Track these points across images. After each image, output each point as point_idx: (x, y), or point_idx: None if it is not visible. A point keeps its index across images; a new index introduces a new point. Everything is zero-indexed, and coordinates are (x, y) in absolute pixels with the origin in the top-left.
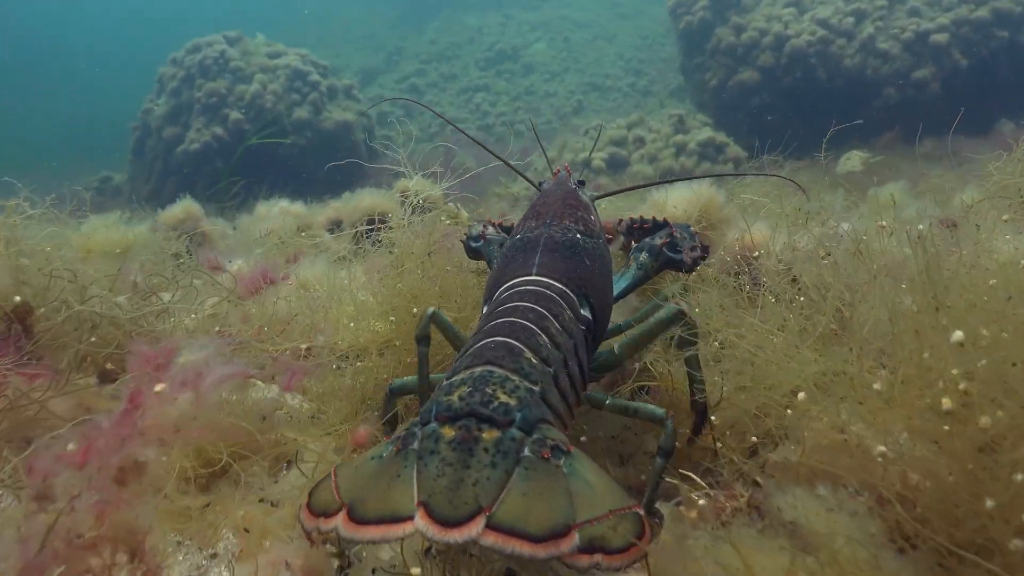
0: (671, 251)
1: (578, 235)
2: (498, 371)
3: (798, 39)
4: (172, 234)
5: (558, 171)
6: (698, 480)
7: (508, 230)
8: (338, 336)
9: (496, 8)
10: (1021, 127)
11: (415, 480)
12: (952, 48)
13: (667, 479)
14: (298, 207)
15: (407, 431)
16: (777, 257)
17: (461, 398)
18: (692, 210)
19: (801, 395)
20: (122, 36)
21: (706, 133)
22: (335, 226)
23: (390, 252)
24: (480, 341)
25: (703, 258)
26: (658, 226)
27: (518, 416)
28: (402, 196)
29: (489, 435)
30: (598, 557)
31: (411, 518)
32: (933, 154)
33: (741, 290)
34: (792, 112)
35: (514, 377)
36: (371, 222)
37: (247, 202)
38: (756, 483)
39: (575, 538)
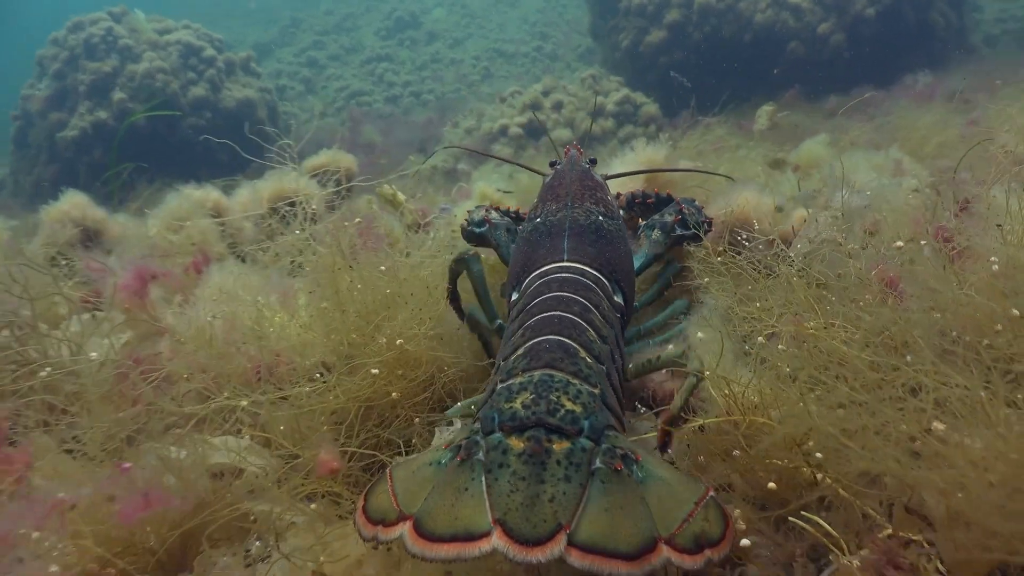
0: (683, 228)
1: (600, 217)
2: (559, 375)
3: None
4: (55, 235)
5: (568, 150)
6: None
7: (507, 214)
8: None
9: None
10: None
11: (486, 495)
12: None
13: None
14: (216, 194)
15: (468, 439)
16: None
17: (525, 406)
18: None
19: (937, 424)
20: None
21: (623, 92)
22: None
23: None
24: (531, 339)
25: (709, 231)
26: (661, 200)
27: (586, 424)
28: (315, 174)
29: (560, 446)
30: (707, 552)
31: (487, 536)
32: (838, 108)
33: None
34: (704, 69)
35: (575, 381)
36: (292, 205)
37: (152, 193)
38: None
39: (663, 551)
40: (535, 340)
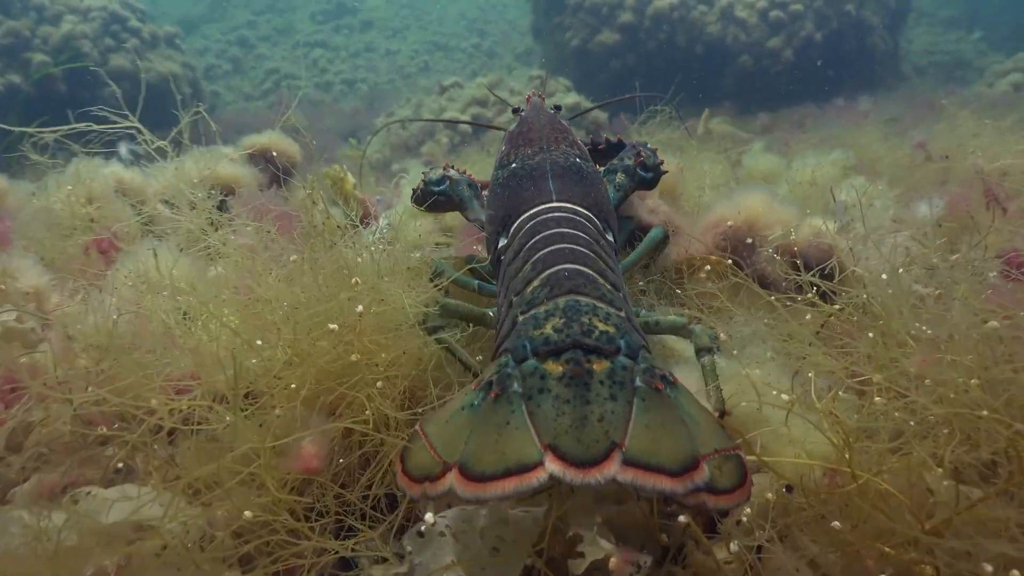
0: (644, 171)
1: (578, 159)
2: (584, 300)
3: (661, 2)
4: None
5: (530, 97)
6: None
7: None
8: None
9: None
10: (852, 103)
11: (529, 424)
12: (806, 19)
13: None
14: (131, 173)
15: (499, 373)
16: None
17: (557, 330)
18: None
19: None
20: None
21: (572, 98)
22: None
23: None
24: (545, 270)
25: (664, 172)
26: (613, 146)
27: (622, 343)
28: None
29: (600, 366)
30: (703, 496)
31: (541, 464)
32: (773, 123)
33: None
34: (654, 77)
35: (602, 305)
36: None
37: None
38: None
39: (705, 470)
40: (550, 270)
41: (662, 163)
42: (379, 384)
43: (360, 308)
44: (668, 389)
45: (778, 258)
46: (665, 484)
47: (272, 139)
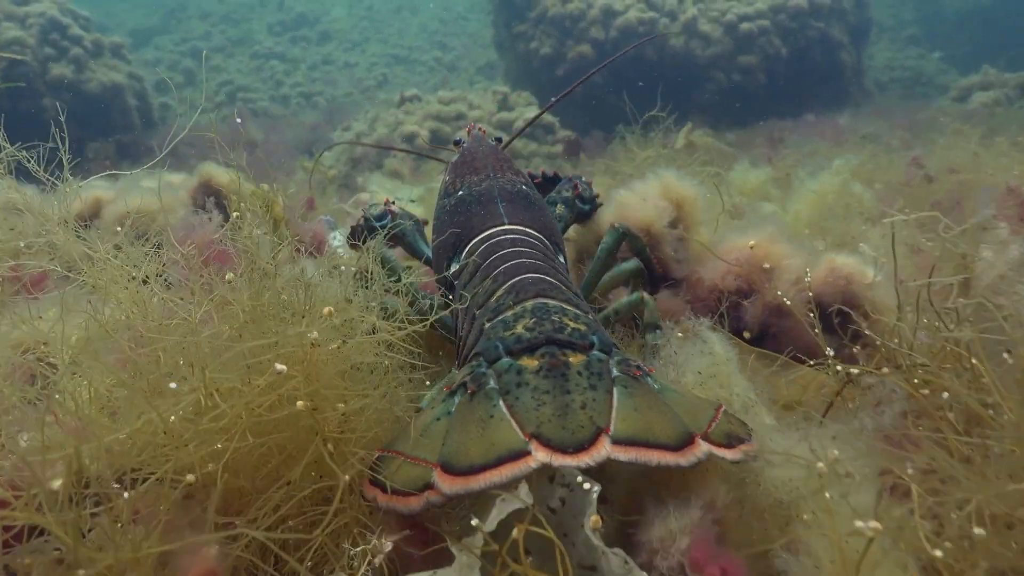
0: (581, 203)
1: (524, 186)
2: (552, 302)
3: (627, 15)
4: None
5: (470, 128)
6: None
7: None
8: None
9: None
10: (824, 118)
11: (510, 416)
12: (772, 35)
13: None
14: (25, 191)
15: (472, 374)
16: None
17: (528, 328)
18: (664, 206)
19: None
20: None
21: (533, 112)
22: (87, 222)
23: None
24: (507, 280)
25: (600, 206)
26: (549, 179)
27: (595, 339)
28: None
29: (576, 359)
30: (743, 447)
31: (528, 453)
32: (749, 138)
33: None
34: (621, 91)
35: (569, 307)
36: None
37: None
38: None
39: (702, 444)
40: (514, 279)
41: (598, 196)
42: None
43: (314, 335)
44: (645, 377)
45: (788, 301)
46: (668, 458)
47: (212, 172)
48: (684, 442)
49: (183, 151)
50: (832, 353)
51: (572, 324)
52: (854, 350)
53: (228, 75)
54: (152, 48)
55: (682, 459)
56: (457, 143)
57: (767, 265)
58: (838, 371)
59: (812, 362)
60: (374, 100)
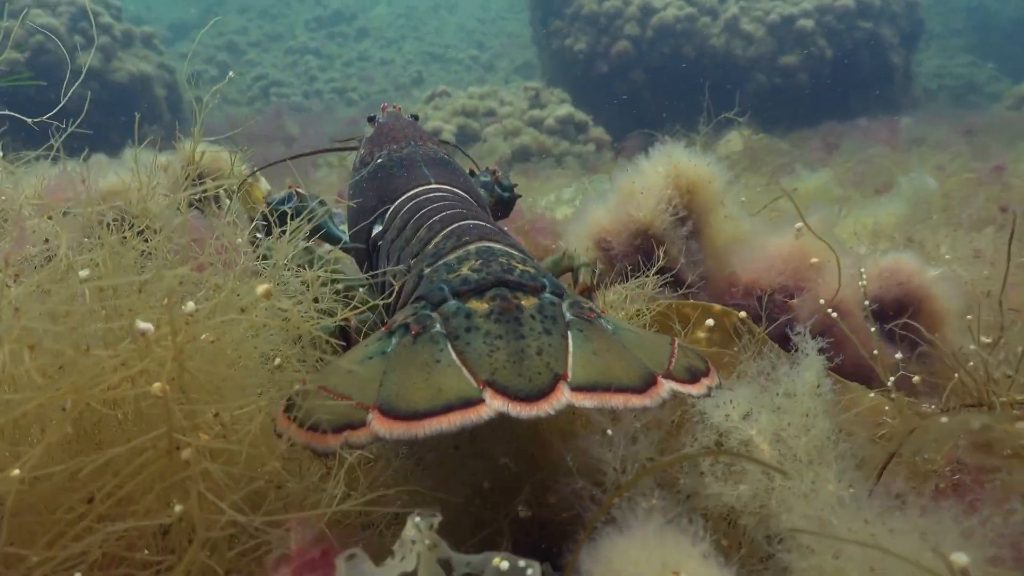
0: (500, 189)
1: (445, 155)
2: (496, 246)
3: (665, 12)
4: None
5: (385, 106)
6: None
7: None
8: None
9: None
10: (877, 123)
11: (460, 363)
12: (817, 36)
13: None
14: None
15: (415, 315)
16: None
17: (475, 270)
18: (667, 197)
19: None
20: None
21: (565, 109)
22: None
23: None
24: (446, 227)
25: (518, 196)
26: (471, 174)
27: (545, 281)
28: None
29: (528, 302)
30: (707, 380)
31: (482, 401)
32: (804, 140)
33: None
34: (661, 91)
35: (515, 252)
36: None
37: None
38: None
39: (665, 383)
40: (452, 226)
41: (515, 186)
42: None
43: (191, 305)
44: (599, 319)
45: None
46: (634, 401)
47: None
48: (648, 383)
49: (218, 143)
50: (891, 377)
51: (521, 266)
52: (913, 379)
53: (263, 69)
54: (189, 41)
55: (648, 400)
56: (371, 119)
57: (815, 260)
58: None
59: (872, 392)
60: (408, 97)
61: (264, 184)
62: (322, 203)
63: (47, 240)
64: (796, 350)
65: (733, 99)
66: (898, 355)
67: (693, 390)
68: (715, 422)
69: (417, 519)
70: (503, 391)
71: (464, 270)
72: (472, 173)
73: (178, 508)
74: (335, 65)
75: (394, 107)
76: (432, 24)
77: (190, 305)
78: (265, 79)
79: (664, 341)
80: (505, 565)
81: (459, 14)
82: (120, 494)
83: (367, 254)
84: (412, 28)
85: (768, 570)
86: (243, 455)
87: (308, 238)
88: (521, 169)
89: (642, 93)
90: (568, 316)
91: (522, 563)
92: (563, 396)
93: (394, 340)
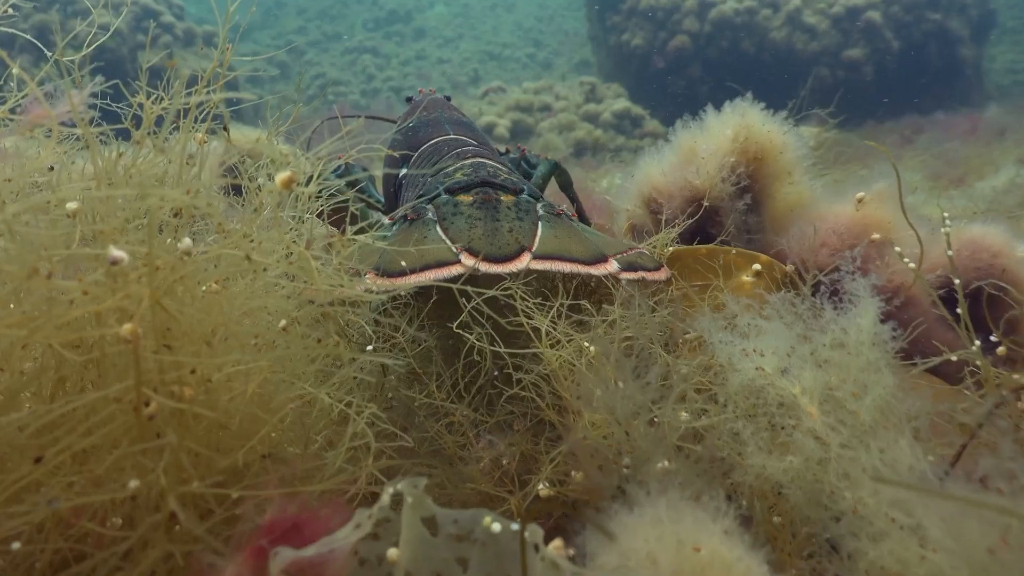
0: (527, 165)
1: (471, 121)
2: (489, 163)
3: (724, 6)
4: None
5: (421, 90)
6: None
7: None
8: None
9: None
10: (953, 115)
11: (444, 236)
12: (884, 28)
13: None
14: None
15: (414, 208)
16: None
17: (466, 174)
18: (730, 148)
19: None
20: None
21: (621, 104)
22: None
23: None
24: (452, 151)
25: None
26: (500, 155)
27: (524, 187)
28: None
29: (506, 198)
30: (641, 273)
31: (456, 262)
32: (876, 135)
33: None
34: (716, 86)
35: (503, 169)
36: None
37: None
38: None
39: (614, 263)
40: (456, 150)
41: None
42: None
43: (187, 242)
44: (567, 217)
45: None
46: (580, 268)
47: (251, 143)
48: (597, 259)
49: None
50: (975, 355)
51: (504, 175)
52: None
53: (321, 68)
54: (250, 42)
55: (593, 270)
56: (408, 99)
57: (877, 235)
58: (997, 385)
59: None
60: (464, 94)
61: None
62: (365, 170)
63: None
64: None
65: (794, 93)
66: (976, 344)
67: (628, 276)
68: (745, 378)
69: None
70: (475, 254)
71: (457, 175)
72: (505, 153)
73: (133, 484)
74: (392, 64)
75: (430, 90)
76: (489, 23)
77: (186, 242)
78: (323, 78)
79: (624, 244)
80: (496, 527)
81: (516, 12)
82: (72, 452)
83: (394, 196)
84: (469, 27)
85: (826, 557)
86: (236, 420)
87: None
88: (576, 163)
89: (699, 88)
90: (540, 212)
91: (515, 526)
92: (525, 261)
93: (395, 227)
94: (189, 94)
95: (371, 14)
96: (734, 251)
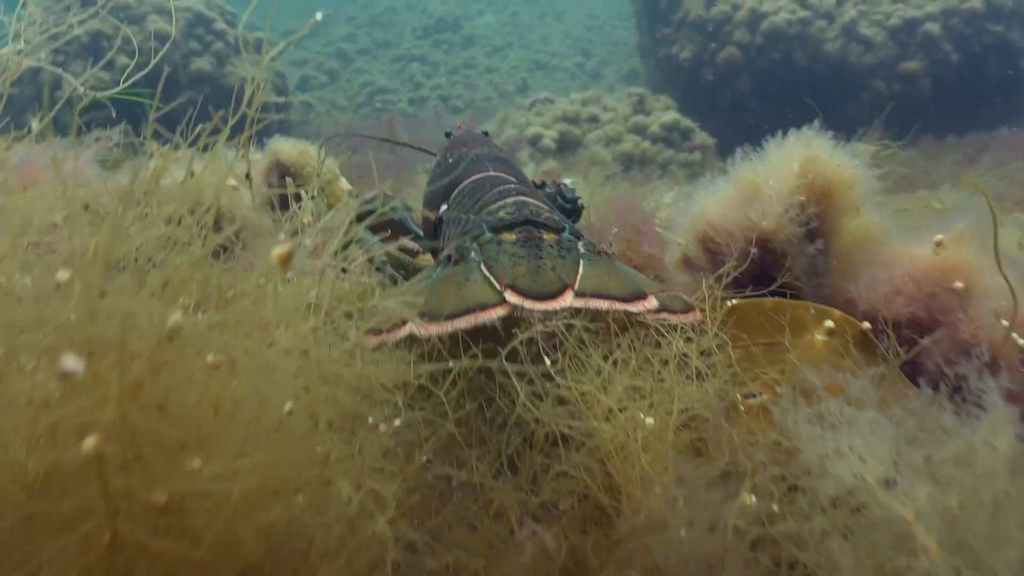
0: (563, 200)
1: (508, 157)
2: (531, 201)
3: (776, 16)
4: None
5: (460, 125)
6: None
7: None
8: None
9: None
10: (1019, 132)
11: (489, 275)
12: (943, 40)
13: None
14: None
15: (457, 248)
16: None
17: (509, 213)
18: (795, 184)
19: None
20: None
21: (670, 116)
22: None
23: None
24: (493, 189)
25: (582, 210)
26: (536, 186)
27: (567, 227)
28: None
29: (549, 236)
30: (665, 314)
31: (502, 301)
32: (938, 152)
33: None
34: (770, 99)
35: (544, 206)
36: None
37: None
38: None
39: (653, 300)
40: (498, 188)
41: (579, 198)
42: None
43: (176, 317)
44: (608, 255)
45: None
46: (618, 305)
47: (280, 148)
48: (636, 296)
49: (326, 148)
50: None
51: (547, 214)
52: None
53: (370, 76)
54: (301, 49)
55: (631, 307)
56: (448, 135)
57: (959, 284)
58: None
59: None
60: (511, 104)
61: (344, 183)
62: (403, 202)
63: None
64: (956, 393)
65: (848, 106)
66: None
67: (665, 316)
68: (841, 484)
69: None
70: (520, 291)
71: (501, 213)
72: (540, 185)
73: None
74: (439, 72)
75: (469, 125)
76: (538, 31)
77: (174, 318)
78: (372, 86)
79: (657, 285)
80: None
81: (566, 21)
82: None
83: (435, 232)
84: (518, 36)
85: None
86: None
87: (389, 231)
88: (623, 177)
89: (749, 101)
90: (582, 250)
91: None
92: (568, 299)
93: (439, 269)
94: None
95: (420, 22)
96: (804, 306)
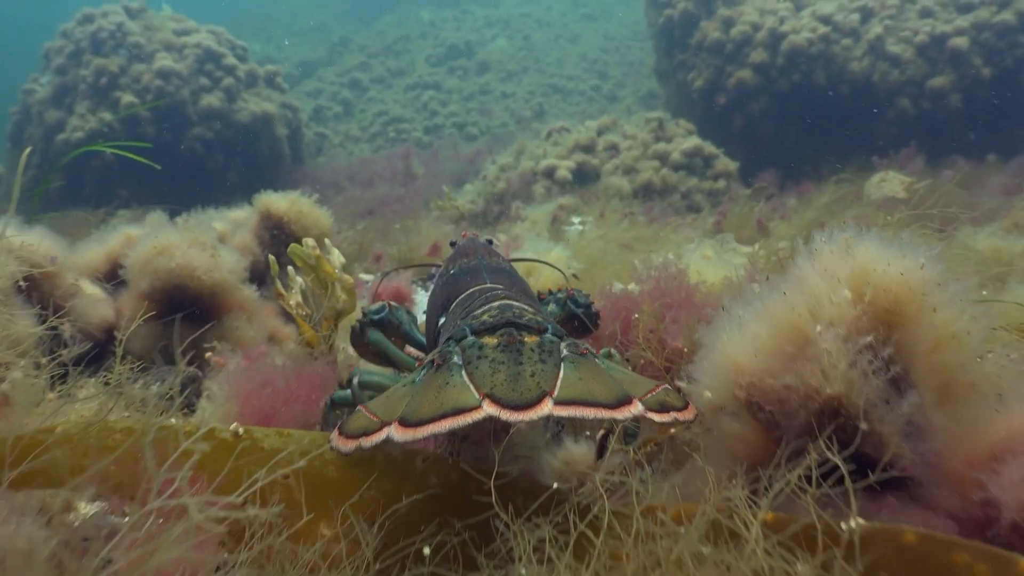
0: (575, 305)
1: (510, 267)
2: (515, 304)
3: (797, 36)
4: None
5: (465, 233)
6: None
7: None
8: None
9: (453, 4)
10: None
11: (468, 382)
12: (973, 55)
13: None
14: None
15: (440, 351)
16: None
17: (492, 316)
18: (855, 315)
19: None
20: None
21: (692, 141)
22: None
23: None
24: (481, 296)
25: (596, 314)
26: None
27: (549, 327)
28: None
29: (530, 339)
30: (674, 414)
31: (478, 407)
32: (969, 180)
33: None
34: (788, 121)
35: (529, 309)
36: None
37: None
38: None
39: (639, 404)
40: (485, 295)
41: (593, 303)
42: None
43: None
44: (591, 355)
45: None
46: (603, 413)
47: (269, 202)
48: (621, 402)
49: (340, 182)
50: None
51: (530, 316)
52: None
53: (384, 105)
54: (315, 79)
55: (617, 414)
56: (452, 244)
57: None
58: None
59: None
60: (527, 130)
61: (337, 256)
62: (408, 313)
63: None
64: None
65: (871, 127)
66: None
67: (657, 418)
68: None
69: None
70: (497, 401)
71: (484, 316)
72: (548, 293)
73: None
74: (454, 99)
75: (473, 234)
76: (553, 55)
77: None
78: (386, 115)
79: (650, 382)
80: None
81: (581, 44)
82: None
83: (434, 343)
84: (533, 60)
85: None
86: None
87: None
88: (643, 209)
89: (767, 124)
90: (564, 352)
91: None
92: (546, 407)
93: (423, 372)
94: None
95: (433, 49)
96: (972, 550)
